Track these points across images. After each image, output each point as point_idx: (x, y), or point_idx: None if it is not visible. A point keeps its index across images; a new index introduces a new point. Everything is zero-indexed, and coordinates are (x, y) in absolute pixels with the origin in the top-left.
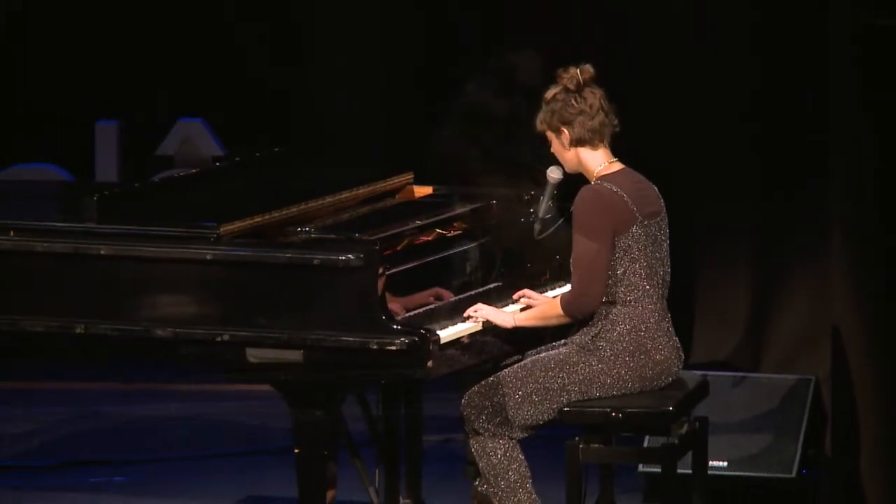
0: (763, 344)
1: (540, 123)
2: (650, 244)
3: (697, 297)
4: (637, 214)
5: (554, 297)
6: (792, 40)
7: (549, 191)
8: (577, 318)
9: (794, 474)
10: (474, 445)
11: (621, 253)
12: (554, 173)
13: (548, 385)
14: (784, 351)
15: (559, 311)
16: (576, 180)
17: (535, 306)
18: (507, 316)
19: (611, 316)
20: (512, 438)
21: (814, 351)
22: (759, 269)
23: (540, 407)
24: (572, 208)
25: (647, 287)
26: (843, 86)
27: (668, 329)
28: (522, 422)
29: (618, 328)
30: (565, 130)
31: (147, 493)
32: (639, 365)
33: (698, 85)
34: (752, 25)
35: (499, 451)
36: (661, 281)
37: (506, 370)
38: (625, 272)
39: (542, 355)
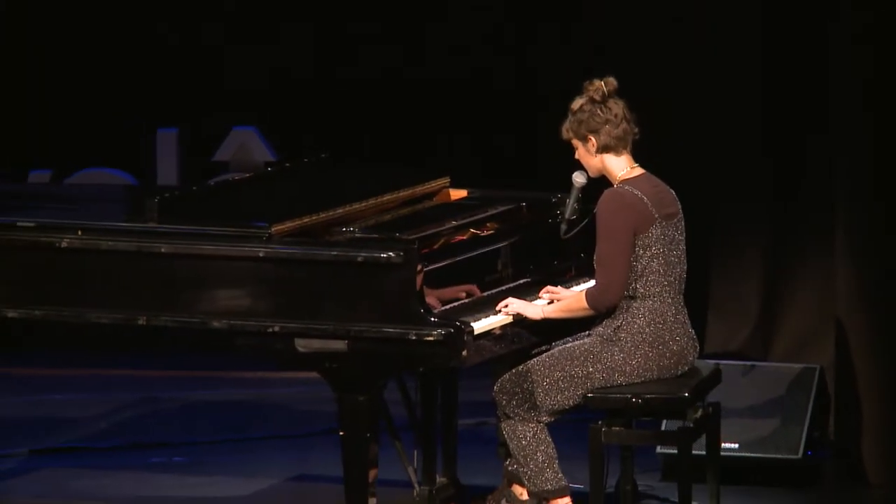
0: (771, 335)
1: (566, 132)
2: (667, 243)
3: (711, 293)
4: (655, 215)
5: (579, 291)
6: (796, 49)
7: (574, 194)
8: (600, 311)
9: (800, 455)
10: (505, 428)
11: (641, 251)
12: (579, 178)
13: (573, 373)
14: (791, 342)
15: (584, 304)
16: (599, 184)
17: (562, 300)
18: (536, 308)
19: (631, 310)
20: (540, 422)
21: (818, 342)
22: (768, 266)
23: (566, 393)
24: (595, 209)
25: (665, 283)
26: (844, 90)
27: (684, 322)
28: (550, 407)
29: (638, 321)
30: (592, 138)
31: (203, 472)
32: (657, 355)
33: (712, 99)
34: (761, 39)
35: (528, 434)
36: (677, 278)
37: (534, 359)
38: (644, 269)
39: (567, 345)
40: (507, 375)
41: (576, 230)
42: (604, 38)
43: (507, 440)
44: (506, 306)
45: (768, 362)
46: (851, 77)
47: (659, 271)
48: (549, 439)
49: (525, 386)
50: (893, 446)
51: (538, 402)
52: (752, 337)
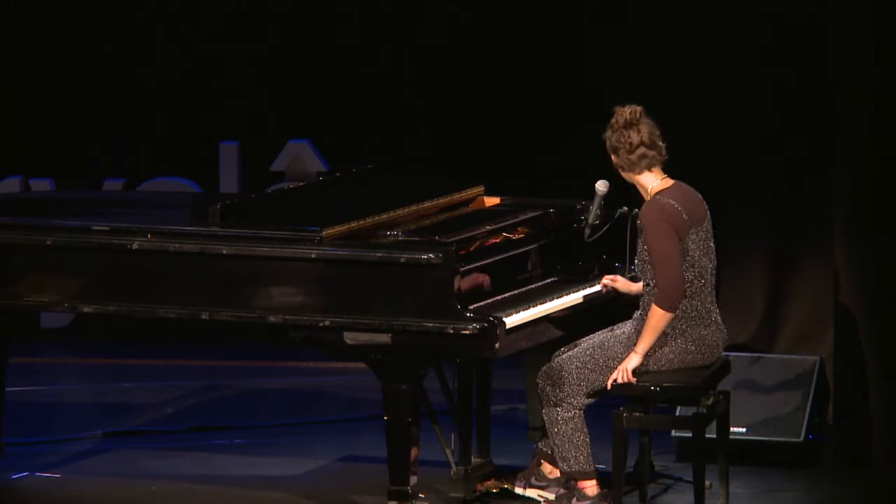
0: (776, 330)
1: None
2: (699, 245)
3: (721, 292)
4: (689, 223)
5: (651, 307)
6: (797, 52)
7: (597, 201)
8: (675, 309)
9: (802, 439)
10: (547, 413)
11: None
12: (601, 186)
13: (608, 363)
14: (794, 335)
15: (660, 313)
16: (620, 191)
17: (643, 327)
18: (635, 357)
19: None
20: (575, 408)
21: (819, 335)
22: (773, 267)
23: (602, 378)
24: (640, 221)
25: (701, 282)
26: (844, 92)
27: (714, 314)
28: (586, 391)
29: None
30: (612, 157)
31: (260, 453)
32: (688, 343)
33: (723, 114)
34: (761, 40)
35: (566, 418)
36: (710, 273)
37: (572, 351)
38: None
39: (604, 337)
40: (548, 365)
41: (599, 234)
42: (605, 43)
43: (547, 424)
44: (621, 378)
45: (773, 354)
46: (852, 79)
47: (692, 272)
48: (585, 427)
49: (564, 375)
50: (886, 429)
51: (574, 389)
52: (759, 331)
